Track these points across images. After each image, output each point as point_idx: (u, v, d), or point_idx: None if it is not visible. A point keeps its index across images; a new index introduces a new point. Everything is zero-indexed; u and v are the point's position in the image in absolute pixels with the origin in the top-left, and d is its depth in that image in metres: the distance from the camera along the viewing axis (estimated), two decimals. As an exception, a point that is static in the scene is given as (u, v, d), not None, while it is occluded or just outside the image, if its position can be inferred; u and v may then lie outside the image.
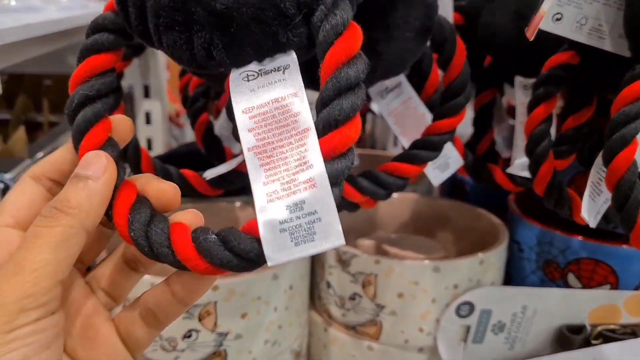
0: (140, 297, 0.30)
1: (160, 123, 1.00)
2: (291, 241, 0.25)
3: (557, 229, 0.65)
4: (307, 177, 0.25)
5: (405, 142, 0.52)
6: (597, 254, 0.63)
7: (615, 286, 0.63)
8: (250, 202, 0.67)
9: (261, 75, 0.28)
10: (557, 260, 0.65)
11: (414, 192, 0.80)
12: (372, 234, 0.78)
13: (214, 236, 0.26)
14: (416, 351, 0.63)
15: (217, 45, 0.27)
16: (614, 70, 0.44)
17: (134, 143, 0.50)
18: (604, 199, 0.44)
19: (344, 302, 0.64)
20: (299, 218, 0.25)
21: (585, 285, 0.64)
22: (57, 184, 0.30)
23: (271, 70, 0.28)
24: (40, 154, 0.63)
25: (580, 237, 0.63)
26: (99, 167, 0.27)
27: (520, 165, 0.56)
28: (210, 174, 0.50)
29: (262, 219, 0.25)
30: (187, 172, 0.50)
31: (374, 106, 0.79)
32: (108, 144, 0.29)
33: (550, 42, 0.46)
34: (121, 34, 0.31)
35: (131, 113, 0.94)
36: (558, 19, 0.44)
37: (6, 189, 0.53)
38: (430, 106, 0.52)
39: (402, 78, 0.52)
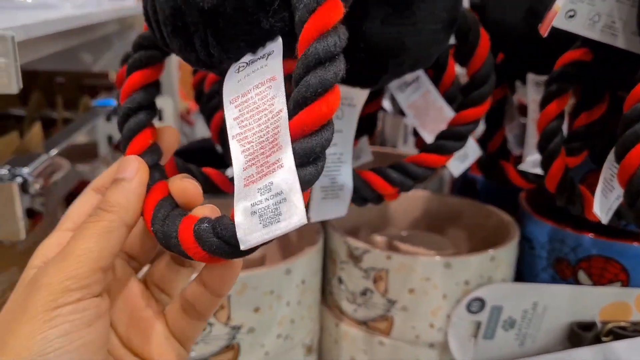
0: (181, 292, 0.33)
1: (171, 120, 1.00)
2: (260, 223, 0.26)
3: (567, 226, 0.65)
4: (275, 158, 0.26)
5: (425, 134, 0.53)
6: (608, 252, 0.63)
7: (626, 284, 0.63)
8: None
9: (248, 66, 0.29)
10: (568, 257, 0.65)
11: (425, 189, 0.80)
12: (383, 231, 0.78)
13: (206, 224, 0.28)
14: (427, 347, 0.63)
15: (212, 42, 0.29)
16: (626, 67, 0.45)
17: None
18: (616, 195, 0.45)
19: (355, 298, 0.64)
20: (267, 200, 0.26)
21: (596, 283, 0.64)
22: None
23: (258, 59, 0.29)
24: (55, 150, 0.64)
25: (591, 235, 0.63)
26: (132, 169, 0.31)
27: (532, 162, 0.57)
28: (232, 171, 0.51)
29: (237, 204, 0.26)
30: (209, 170, 0.51)
31: (386, 103, 0.79)
32: (149, 150, 0.33)
33: (562, 39, 0.46)
34: (156, 49, 0.34)
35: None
36: (571, 16, 0.44)
37: (24, 183, 0.54)
38: (448, 98, 0.53)
39: (420, 72, 0.53)
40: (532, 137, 0.57)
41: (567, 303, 0.62)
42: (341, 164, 0.48)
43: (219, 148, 0.59)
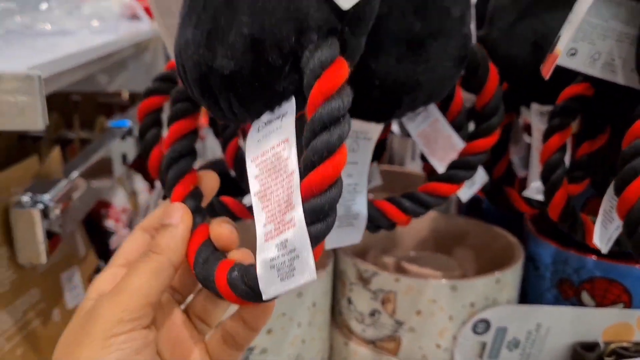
0: (222, 324, 0.37)
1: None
2: (278, 277, 0.28)
3: (572, 247, 0.66)
4: (290, 217, 0.28)
5: (435, 162, 0.55)
6: (610, 274, 0.64)
7: (628, 305, 0.64)
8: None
9: (266, 126, 0.32)
10: (571, 278, 0.67)
11: (432, 209, 0.82)
12: (392, 251, 0.80)
13: (236, 273, 0.31)
14: (434, 366, 0.65)
15: (234, 103, 0.32)
16: (626, 102, 0.46)
17: None
18: (616, 226, 0.46)
19: (364, 318, 0.66)
20: (284, 255, 0.28)
21: (599, 304, 0.66)
22: None
23: (274, 119, 0.31)
24: (75, 173, 0.66)
25: (594, 257, 0.65)
26: (177, 216, 0.35)
27: (535, 189, 0.58)
28: (249, 200, 0.53)
29: (259, 257, 0.29)
30: (227, 200, 0.53)
31: (394, 127, 0.81)
32: (190, 195, 0.36)
33: (566, 72, 0.47)
34: (191, 101, 0.37)
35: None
36: (572, 54, 0.46)
37: (46, 209, 0.56)
38: (455, 126, 0.55)
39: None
40: (536, 165, 0.59)
41: (570, 324, 0.64)
42: (356, 193, 0.50)
43: (232, 172, 0.61)
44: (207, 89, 0.32)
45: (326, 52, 0.29)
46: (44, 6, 0.70)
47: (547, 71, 0.46)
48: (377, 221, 0.51)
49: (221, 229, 0.35)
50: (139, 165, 1.01)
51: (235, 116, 0.33)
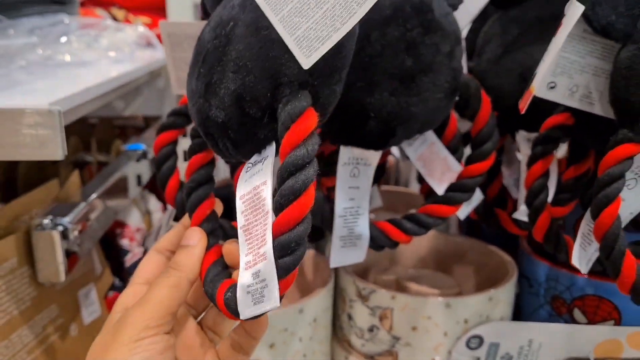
0: (231, 333, 0.43)
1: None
2: (252, 301, 0.33)
3: (564, 266, 0.69)
4: (263, 251, 0.33)
5: (433, 183, 0.58)
6: (601, 291, 0.67)
7: (618, 322, 0.67)
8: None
9: (252, 167, 0.36)
10: (563, 296, 0.70)
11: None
12: (392, 269, 0.84)
13: (230, 293, 0.36)
14: (430, 380, 0.68)
15: (229, 146, 0.37)
16: (605, 131, 0.49)
17: None
18: (594, 248, 0.49)
19: (363, 333, 0.69)
20: (257, 284, 0.33)
21: (591, 320, 0.68)
22: (172, 253, 0.43)
23: (258, 162, 0.36)
24: (94, 196, 0.70)
25: (584, 275, 0.67)
26: (195, 239, 0.41)
27: (524, 211, 0.61)
28: None
29: (239, 282, 0.34)
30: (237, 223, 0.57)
31: (395, 150, 0.84)
32: (207, 219, 0.41)
33: (549, 102, 0.50)
34: None
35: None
36: (552, 87, 0.49)
37: (65, 231, 0.60)
38: (450, 150, 0.58)
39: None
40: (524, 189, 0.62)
41: (561, 340, 0.66)
42: (358, 216, 0.54)
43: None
44: (208, 132, 0.37)
45: (296, 105, 0.32)
46: (63, 39, 0.75)
47: (523, 106, 0.49)
48: (379, 241, 0.55)
49: (231, 246, 0.41)
50: (153, 186, 1.05)
51: (232, 156, 0.37)
